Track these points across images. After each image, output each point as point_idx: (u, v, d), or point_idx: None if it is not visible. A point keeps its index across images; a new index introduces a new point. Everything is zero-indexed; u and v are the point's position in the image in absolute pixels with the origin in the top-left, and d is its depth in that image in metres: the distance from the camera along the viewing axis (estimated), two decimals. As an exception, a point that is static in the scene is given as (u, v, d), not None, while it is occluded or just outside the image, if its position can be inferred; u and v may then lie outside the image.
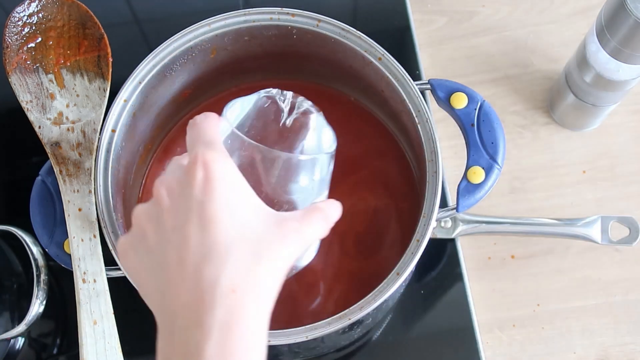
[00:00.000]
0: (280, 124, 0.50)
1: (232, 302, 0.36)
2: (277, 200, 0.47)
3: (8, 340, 0.65)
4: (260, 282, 0.37)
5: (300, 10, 0.57)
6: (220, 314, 0.35)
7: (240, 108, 0.49)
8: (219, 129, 0.44)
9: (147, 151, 0.63)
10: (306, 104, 0.51)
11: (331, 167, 0.50)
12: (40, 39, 0.57)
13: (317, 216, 0.42)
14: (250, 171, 0.44)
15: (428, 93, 0.61)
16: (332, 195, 0.63)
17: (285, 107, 0.50)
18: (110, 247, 0.52)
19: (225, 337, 0.35)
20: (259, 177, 0.46)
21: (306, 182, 0.48)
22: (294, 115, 0.50)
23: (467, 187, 0.53)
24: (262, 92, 0.51)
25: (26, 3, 0.57)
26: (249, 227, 0.38)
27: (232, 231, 0.37)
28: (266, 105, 0.50)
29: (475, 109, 0.55)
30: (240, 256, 0.37)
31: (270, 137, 0.49)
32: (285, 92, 0.51)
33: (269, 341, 0.49)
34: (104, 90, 0.57)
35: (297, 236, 0.40)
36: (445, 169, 0.71)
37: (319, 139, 0.50)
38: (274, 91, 0.50)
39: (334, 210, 0.44)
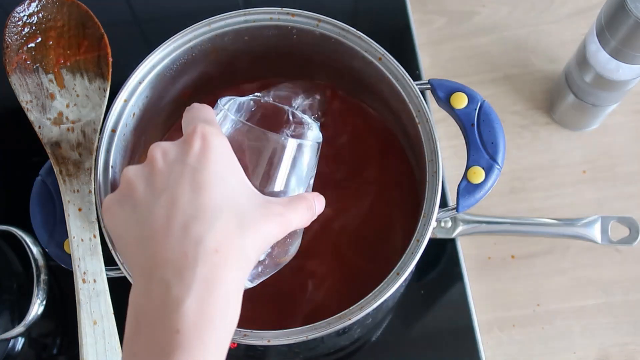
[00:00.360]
0: (265, 124, 0.51)
1: (215, 262, 0.37)
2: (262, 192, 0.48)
3: (8, 340, 0.65)
4: (242, 249, 0.38)
5: (300, 10, 0.57)
6: (203, 271, 0.36)
7: (231, 105, 0.51)
8: (214, 113, 0.46)
9: (147, 151, 0.63)
10: (295, 111, 0.52)
11: (315, 163, 0.52)
12: (40, 39, 0.57)
13: (301, 204, 0.44)
14: (240, 159, 0.45)
15: (428, 93, 0.61)
16: (332, 194, 0.63)
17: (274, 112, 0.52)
18: (110, 247, 0.52)
19: (206, 293, 0.36)
20: (246, 166, 0.48)
21: (292, 171, 0.49)
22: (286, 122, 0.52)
23: (467, 187, 0.53)
24: (251, 96, 0.53)
25: (26, 3, 0.57)
26: (237, 201, 0.40)
27: (220, 200, 0.39)
28: (254, 108, 0.51)
29: (475, 109, 0.55)
30: (226, 223, 0.38)
31: None
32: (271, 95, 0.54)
33: (269, 341, 0.49)
34: (104, 90, 0.57)
35: (279, 219, 0.41)
36: (445, 169, 0.71)
37: (305, 135, 0.52)
38: (265, 97, 0.53)
39: (319, 203, 0.47)
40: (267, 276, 0.50)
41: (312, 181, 0.52)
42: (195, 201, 0.39)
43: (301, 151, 0.50)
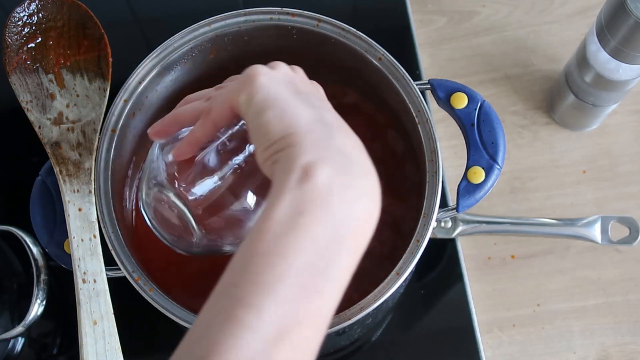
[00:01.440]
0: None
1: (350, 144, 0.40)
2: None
3: (8, 340, 0.65)
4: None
5: (300, 10, 0.57)
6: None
7: None
8: None
9: (147, 151, 0.63)
10: None
11: None
12: (40, 39, 0.57)
13: None
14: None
15: (428, 93, 0.61)
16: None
17: None
18: (110, 247, 0.52)
19: (370, 185, 0.38)
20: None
21: None
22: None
23: (467, 187, 0.53)
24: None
25: (26, 3, 0.57)
26: None
27: None
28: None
29: (475, 109, 0.55)
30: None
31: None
32: None
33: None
34: (104, 90, 0.57)
35: None
36: (445, 169, 0.71)
37: None
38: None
39: None
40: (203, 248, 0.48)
41: None
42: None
43: None
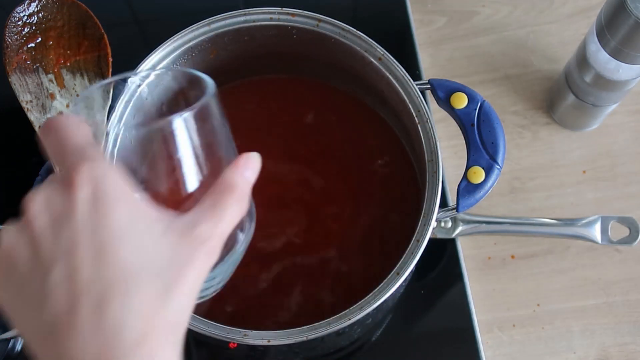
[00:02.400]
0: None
1: (146, 352, 0.29)
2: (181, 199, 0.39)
3: (8, 340, 0.65)
4: (175, 317, 0.31)
5: (300, 10, 0.57)
6: None
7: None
8: (87, 129, 0.34)
9: (147, 151, 0.63)
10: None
11: (222, 120, 0.40)
12: (40, 39, 0.57)
13: (228, 202, 0.34)
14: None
15: (428, 93, 0.61)
16: (332, 193, 0.63)
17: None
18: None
19: None
20: (154, 176, 0.38)
21: (201, 152, 0.37)
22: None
23: (467, 187, 0.53)
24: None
25: (26, 3, 0.57)
26: (154, 253, 0.31)
27: (134, 261, 0.30)
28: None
29: (475, 109, 0.55)
30: (148, 291, 0.30)
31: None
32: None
33: (269, 341, 0.49)
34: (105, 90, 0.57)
35: (209, 244, 0.33)
36: (445, 169, 0.71)
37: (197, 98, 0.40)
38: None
39: (251, 170, 0.36)
40: (225, 280, 0.41)
41: (231, 143, 0.41)
42: (102, 274, 0.30)
43: (198, 121, 0.38)
